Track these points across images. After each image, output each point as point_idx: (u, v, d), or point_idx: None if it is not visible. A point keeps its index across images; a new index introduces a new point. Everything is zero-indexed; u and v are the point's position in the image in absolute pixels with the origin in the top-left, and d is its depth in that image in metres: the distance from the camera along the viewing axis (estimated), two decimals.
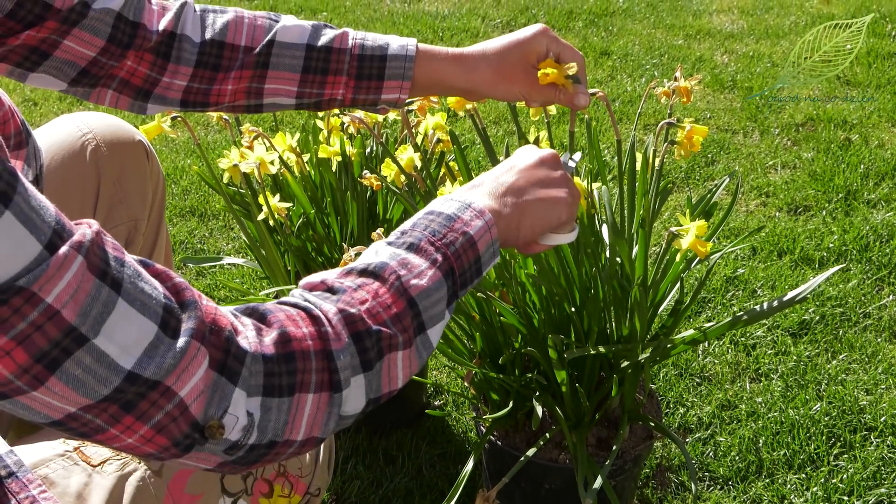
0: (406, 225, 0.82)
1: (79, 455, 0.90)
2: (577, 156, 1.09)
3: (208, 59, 1.09)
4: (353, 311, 0.73)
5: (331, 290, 0.75)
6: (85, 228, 0.64)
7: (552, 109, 1.32)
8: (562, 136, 2.82)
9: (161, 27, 1.07)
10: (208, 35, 1.08)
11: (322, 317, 0.72)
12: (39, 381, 0.61)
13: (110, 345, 0.62)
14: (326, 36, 1.10)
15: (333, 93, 1.12)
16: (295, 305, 0.73)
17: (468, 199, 0.85)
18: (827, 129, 2.80)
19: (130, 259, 0.66)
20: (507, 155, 1.35)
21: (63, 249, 0.61)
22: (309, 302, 0.73)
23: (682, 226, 1.16)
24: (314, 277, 0.77)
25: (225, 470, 0.71)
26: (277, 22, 1.11)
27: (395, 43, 1.10)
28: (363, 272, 0.76)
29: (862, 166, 2.55)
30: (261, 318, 0.71)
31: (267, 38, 1.09)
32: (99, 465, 0.90)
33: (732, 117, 2.93)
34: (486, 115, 2.99)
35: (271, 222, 1.56)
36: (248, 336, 0.69)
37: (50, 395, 0.62)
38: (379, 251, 0.79)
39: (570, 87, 1.10)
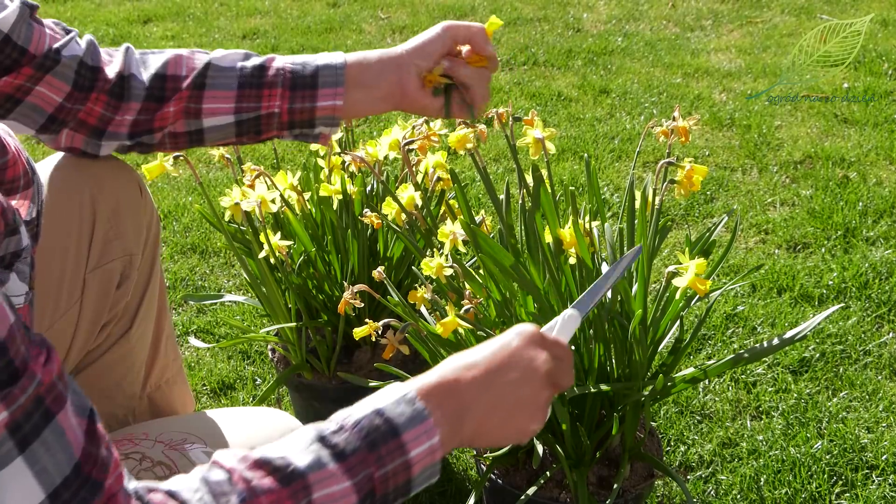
0: (350, 417, 0.77)
1: None
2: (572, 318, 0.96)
3: (153, 91, 1.14)
4: None
5: (234, 485, 0.72)
6: (38, 374, 0.64)
7: (552, 148, 1.34)
8: (561, 174, 2.83)
9: (115, 70, 1.14)
10: (151, 71, 1.15)
11: None
12: None
13: None
14: (258, 58, 1.18)
15: (270, 105, 1.15)
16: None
17: (426, 409, 0.78)
18: (825, 166, 2.81)
19: (68, 412, 0.66)
20: (508, 193, 1.36)
21: None
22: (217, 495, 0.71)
23: (681, 264, 1.17)
24: (231, 459, 0.74)
25: None
26: (212, 53, 1.19)
27: (324, 57, 1.16)
28: (277, 470, 0.73)
29: (860, 204, 2.57)
30: None
31: (203, 63, 1.16)
32: None
33: (731, 155, 2.95)
34: (486, 153, 3.01)
35: (272, 260, 1.57)
36: None
37: None
38: (310, 444, 0.75)
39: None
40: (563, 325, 0.94)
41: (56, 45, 1.09)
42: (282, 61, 1.16)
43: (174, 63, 1.15)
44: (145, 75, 1.15)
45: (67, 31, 1.13)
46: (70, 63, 1.10)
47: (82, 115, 1.13)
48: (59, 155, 1.25)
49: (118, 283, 1.25)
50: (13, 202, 0.94)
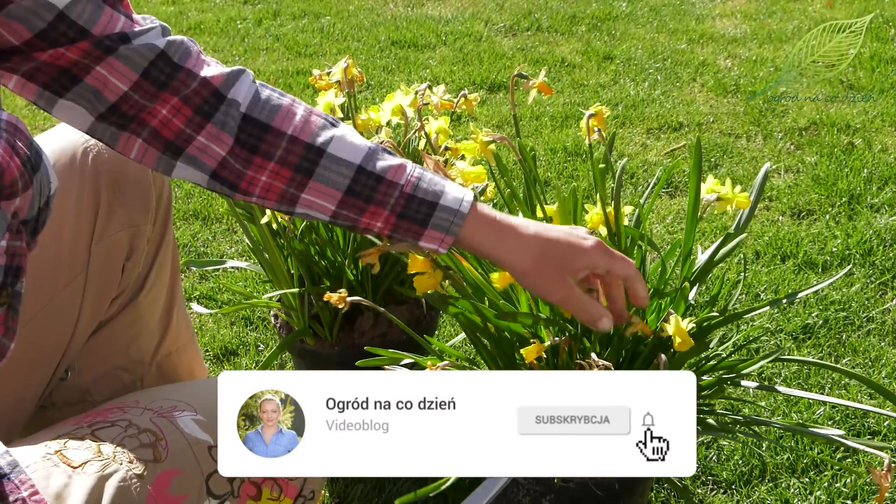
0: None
1: (59, 458, 0.90)
2: None
3: (248, 137, 1.00)
4: None
5: None
6: None
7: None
8: (564, 141, 2.82)
9: (207, 75, 0.99)
10: (256, 112, 1.01)
11: None
12: None
13: None
14: (383, 162, 1.02)
15: (371, 223, 1.03)
16: None
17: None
18: (830, 133, 2.80)
19: None
20: (528, 181, 1.35)
21: None
22: None
23: (716, 190, 1.27)
24: None
25: None
26: (335, 126, 1.03)
27: (452, 193, 1.02)
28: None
29: (865, 171, 2.55)
30: None
31: (318, 142, 1.01)
32: (79, 465, 0.90)
33: (735, 122, 2.93)
34: (489, 119, 2.99)
35: (274, 226, 1.57)
36: None
37: None
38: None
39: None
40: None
41: (128, 31, 0.96)
42: (406, 176, 1.02)
43: (285, 113, 1.01)
44: (245, 109, 1.01)
45: (155, 26, 1.00)
46: (143, 51, 0.96)
47: (157, 124, 0.99)
48: (60, 128, 1.17)
49: (127, 254, 1.21)
50: (15, 203, 0.83)
